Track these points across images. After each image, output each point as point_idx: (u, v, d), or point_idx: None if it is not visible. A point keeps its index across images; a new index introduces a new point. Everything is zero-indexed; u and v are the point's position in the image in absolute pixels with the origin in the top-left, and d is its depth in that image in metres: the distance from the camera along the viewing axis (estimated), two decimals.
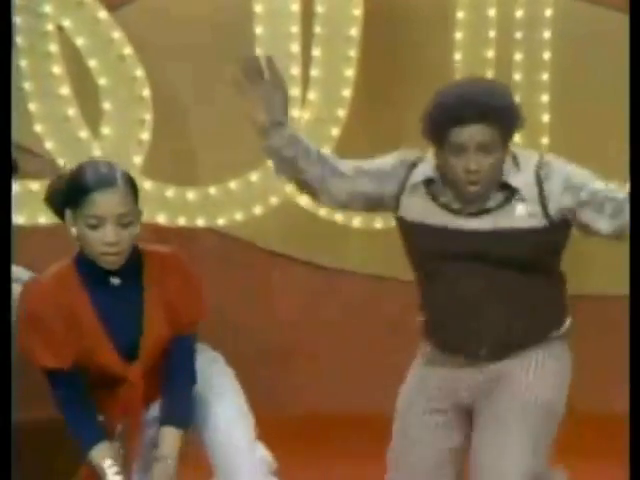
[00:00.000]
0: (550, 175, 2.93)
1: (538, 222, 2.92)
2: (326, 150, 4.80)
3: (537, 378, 2.98)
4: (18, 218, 4.92)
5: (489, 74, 4.86)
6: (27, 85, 4.91)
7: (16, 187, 4.57)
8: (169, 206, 4.96)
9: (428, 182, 3.00)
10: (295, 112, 4.90)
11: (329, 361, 5.16)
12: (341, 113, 4.96)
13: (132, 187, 2.83)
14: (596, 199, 2.91)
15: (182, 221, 4.93)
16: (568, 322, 3.08)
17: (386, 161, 3.17)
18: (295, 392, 5.08)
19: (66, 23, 4.93)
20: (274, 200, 5.00)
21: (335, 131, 4.95)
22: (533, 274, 2.97)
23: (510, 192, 2.94)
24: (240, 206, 5.02)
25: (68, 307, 2.84)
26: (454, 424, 3.06)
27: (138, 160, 4.93)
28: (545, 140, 4.93)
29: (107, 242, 2.75)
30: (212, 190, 4.92)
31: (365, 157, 5.01)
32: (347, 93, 4.95)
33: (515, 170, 2.94)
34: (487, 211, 2.95)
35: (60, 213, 2.86)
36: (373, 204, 3.18)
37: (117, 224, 2.75)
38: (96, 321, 2.84)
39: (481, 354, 2.98)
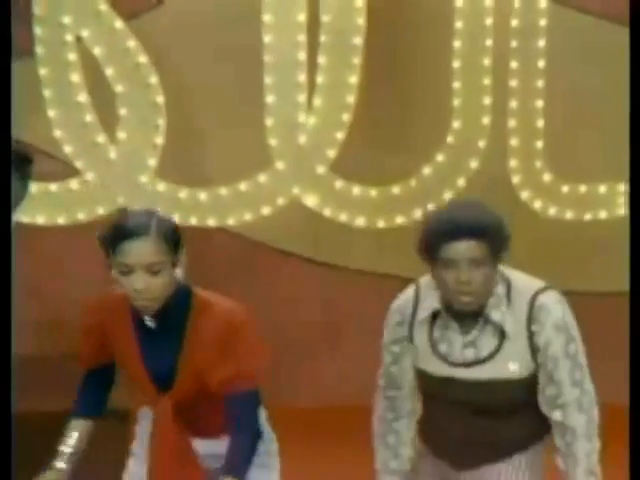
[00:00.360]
0: (540, 330, 2.89)
1: (528, 372, 2.91)
2: (330, 153, 5.05)
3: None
4: (37, 218, 5.08)
5: (486, 81, 4.98)
6: (47, 92, 4.98)
7: (35, 188, 4.73)
8: (182, 206, 5.02)
9: (433, 315, 2.99)
10: (302, 117, 5.05)
11: (329, 354, 5.25)
12: (345, 118, 5.04)
13: (167, 236, 2.77)
14: (552, 380, 2.88)
15: (194, 221, 4.99)
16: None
17: (392, 317, 3.08)
18: (297, 385, 5.15)
19: (84, 33, 4.99)
20: (281, 201, 5.10)
21: (340, 135, 5.04)
22: (520, 409, 2.96)
23: (499, 334, 2.91)
24: (249, 206, 5.10)
25: (115, 326, 2.90)
26: None
27: (152, 163, 5.03)
28: (540, 144, 5.06)
29: (135, 289, 2.75)
30: (223, 191, 5.01)
31: (367, 159, 5.14)
32: (351, 99, 5.02)
33: (506, 307, 2.91)
34: (481, 362, 2.93)
35: (107, 254, 2.82)
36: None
37: (146, 272, 2.74)
38: (136, 351, 2.87)
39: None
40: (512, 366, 2.88)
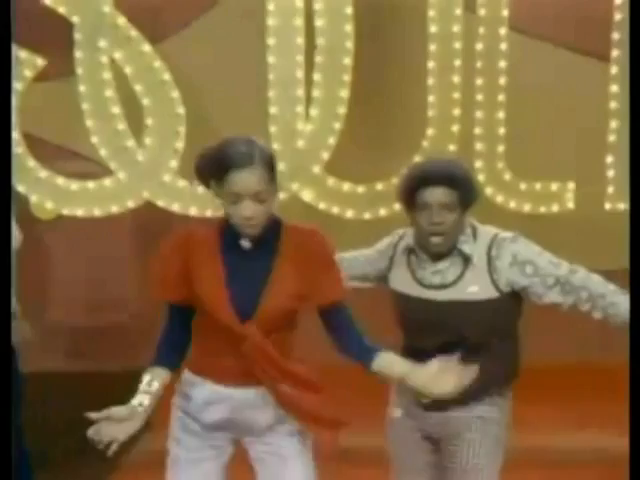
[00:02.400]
0: (500, 254, 3.06)
1: (489, 294, 3.06)
2: (324, 155, 5.31)
3: (475, 452, 3.16)
4: (77, 211, 5.42)
5: (456, 95, 5.27)
6: (85, 105, 5.28)
7: (75, 186, 5.36)
8: (199, 201, 5.21)
9: (409, 251, 3.19)
10: (300, 125, 5.30)
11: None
12: (337, 126, 5.29)
13: (269, 165, 2.72)
14: (541, 273, 3.05)
15: (209, 213, 5.08)
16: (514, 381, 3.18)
17: (383, 242, 3.33)
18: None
19: (117, 55, 5.26)
20: (283, 196, 5.22)
21: (332, 140, 5.31)
22: (486, 337, 3.08)
23: (465, 262, 3.08)
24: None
25: (200, 257, 2.78)
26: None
27: (174, 164, 5.31)
28: (501, 148, 5.35)
29: (245, 216, 2.69)
30: None
31: (356, 161, 5.40)
32: (342, 110, 5.27)
33: (472, 241, 3.09)
34: (447, 286, 3.09)
35: (206, 183, 2.80)
36: (376, 280, 3.32)
37: (254, 200, 2.68)
38: (221, 278, 2.76)
39: (425, 403, 3.11)
40: (472, 289, 3.05)
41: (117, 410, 2.72)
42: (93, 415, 2.66)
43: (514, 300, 3.17)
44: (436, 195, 3.02)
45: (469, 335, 3.08)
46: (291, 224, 2.83)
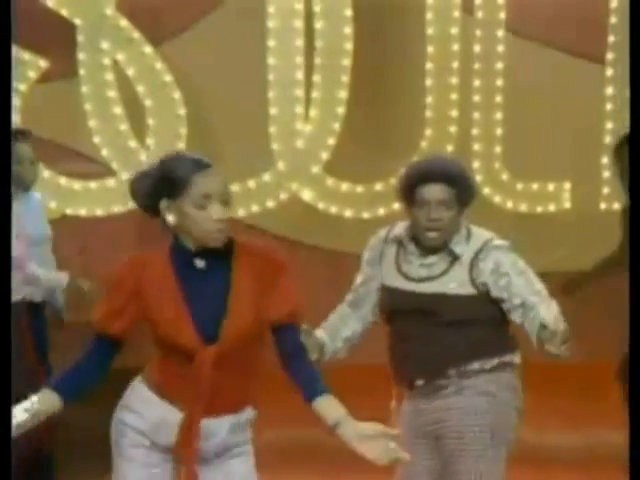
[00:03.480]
0: (485, 257, 3.12)
1: (467, 291, 3.12)
2: (324, 155, 5.37)
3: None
4: (80, 211, 5.47)
5: (453, 96, 5.36)
6: (88, 106, 5.33)
7: (78, 186, 5.42)
8: None
9: (398, 243, 3.23)
10: (299, 125, 5.37)
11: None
12: (336, 126, 5.37)
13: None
14: (512, 291, 3.08)
15: None
16: (496, 361, 3.18)
17: (367, 249, 3.33)
18: None
19: (119, 57, 5.31)
20: (283, 196, 5.43)
21: (331, 140, 5.39)
22: (464, 328, 3.14)
23: (453, 260, 3.15)
24: (256, 200, 5.38)
25: (153, 281, 2.66)
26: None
27: None
28: (498, 149, 5.44)
29: (217, 219, 2.60)
30: (234, 188, 4.81)
31: (354, 161, 5.42)
32: (341, 111, 5.35)
33: (464, 242, 3.16)
34: (431, 279, 3.16)
35: (150, 205, 2.71)
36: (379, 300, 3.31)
37: (222, 203, 2.61)
38: (180, 300, 2.64)
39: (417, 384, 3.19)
40: (452, 284, 3.12)
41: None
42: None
43: (489, 301, 3.23)
44: (434, 192, 3.08)
45: (448, 322, 3.15)
46: (243, 241, 2.74)
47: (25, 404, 2.62)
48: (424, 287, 3.16)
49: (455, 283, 3.13)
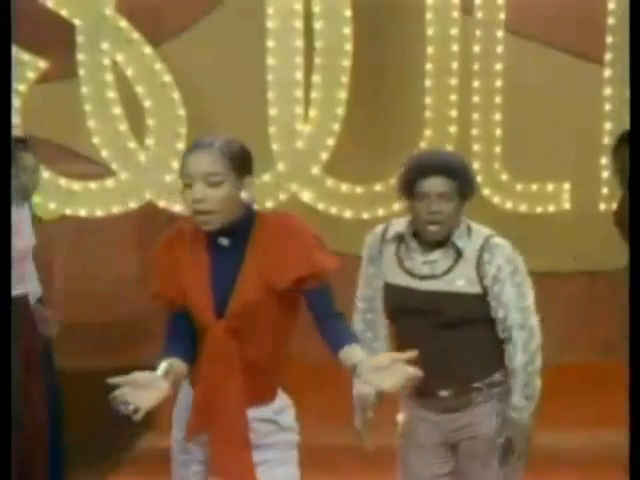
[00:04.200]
0: (491, 260, 3.07)
1: (475, 289, 3.07)
2: (323, 156, 5.38)
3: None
4: (80, 211, 5.47)
5: (453, 97, 5.37)
6: (87, 107, 5.34)
7: (78, 186, 5.43)
8: None
9: (399, 239, 3.18)
10: (299, 126, 5.39)
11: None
12: (336, 127, 5.39)
13: (228, 152, 2.62)
14: (501, 300, 3.06)
15: None
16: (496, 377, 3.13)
17: (365, 247, 3.28)
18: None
19: (119, 58, 5.33)
20: (282, 196, 5.44)
21: (331, 141, 5.41)
22: (470, 331, 3.09)
23: (457, 256, 3.10)
24: (256, 201, 5.44)
25: (187, 255, 2.70)
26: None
27: (175, 165, 5.11)
28: (498, 149, 5.46)
29: (195, 199, 2.58)
30: None
31: (354, 162, 5.42)
32: (340, 111, 5.37)
33: (466, 237, 3.11)
34: (436, 277, 3.10)
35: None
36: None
37: (206, 183, 2.57)
38: (203, 276, 2.67)
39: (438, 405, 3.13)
40: (459, 282, 3.08)
41: (141, 375, 2.56)
42: (117, 380, 2.52)
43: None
44: (434, 185, 3.06)
45: (457, 322, 3.10)
46: (266, 215, 2.75)
47: (163, 366, 2.60)
48: (428, 285, 3.13)
49: (462, 281, 3.10)
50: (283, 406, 2.79)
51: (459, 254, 3.10)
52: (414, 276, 3.14)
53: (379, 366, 2.52)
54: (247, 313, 2.65)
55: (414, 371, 2.48)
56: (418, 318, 3.12)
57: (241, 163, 2.65)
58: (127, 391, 2.51)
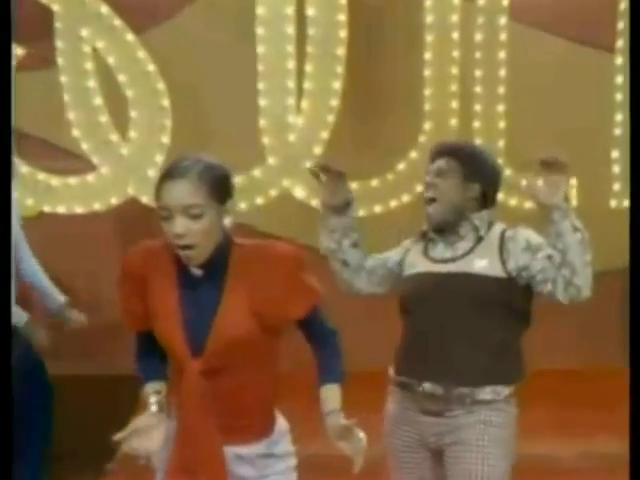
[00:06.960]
0: (514, 237, 3.12)
1: (496, 272, 3.06)
2: (317, 150, 5.29)
3: (481, 452, 3.07)
4: (58, 208, 5.33)
5: (453, 87, 5.25)
6: (67, 97, 5.20)
7: (57, 182, 5.26)
8: None
9: (423, 236, 3.30)
10: (291, 118, 5.26)
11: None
12: (330, 119, 5.27)
13: (209, 180, 2.46)
14: (552, 262, 3.03)
15: None
16: (514, 383, 3.13)
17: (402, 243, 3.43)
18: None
19: (100, 45, 5.18)
20: (273, 192, 5.35)
21: (325, 134, 5.29)
22: (487, 321, 3.07)
23: (477, 239, 3.14)
24: (245, 197, 5.25)
25: (156, 277, 2.58)
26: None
27: (160, 159, 5.20)
28: (501, 143, 5.29)
29: (175, 233, 2.44)
30: None
31: (349, 156, 5.21)
32: (335, 102, 5.26)
33: (487, 227, 3.17)
34: (457, 259, 3.14)
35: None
36: (385, 277, 3.38)
37: (185, 216, 2.44)
38: (175, 306, 2.54)
39: (424, 388, 3.11)
40: (480, 262, 3.09)
41: (141, 421, 2.57)
42: (121, 435, 2.52)
43: (522, 295, 3.15)
44: (436, 165, 3.19)
45: (471, 311, 3.07)
46: (242, 240, 2.60)
47: (149, 408, 2.61)
48: (448, 267, 3.16)
49: (483, 262, 3.10)
50: (278, 436, 2.73)
51: (480, 237, 3.15)
52: (436, 261, 3.20)
53: (344, 430, 2.56)
54: (229, 350, 2.52)
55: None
56: (431, 306, 3.12)
57: (222, 189, 2.51)
58: (134, 443, 2.53)
